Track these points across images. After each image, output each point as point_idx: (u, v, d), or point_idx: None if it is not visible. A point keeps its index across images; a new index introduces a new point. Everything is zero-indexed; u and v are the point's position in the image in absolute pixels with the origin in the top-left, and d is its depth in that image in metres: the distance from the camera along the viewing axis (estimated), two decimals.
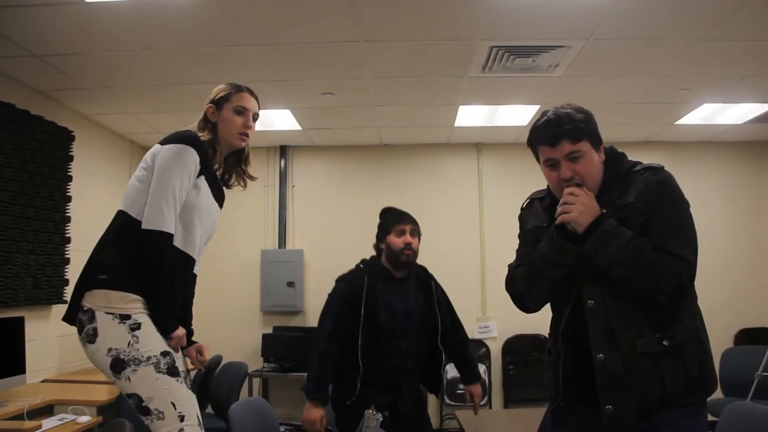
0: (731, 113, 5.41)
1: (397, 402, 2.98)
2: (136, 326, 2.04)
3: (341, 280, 3.15)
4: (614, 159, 1.90)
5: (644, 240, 1.72)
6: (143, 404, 2.01)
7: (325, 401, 3.01)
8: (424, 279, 3.20)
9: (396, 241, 3.05)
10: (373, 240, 3.19)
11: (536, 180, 2.10)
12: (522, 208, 2.10)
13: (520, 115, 5.40)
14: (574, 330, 1.82)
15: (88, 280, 2.10)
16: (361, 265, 3.18)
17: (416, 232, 3.11)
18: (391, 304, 3.01)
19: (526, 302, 1.97)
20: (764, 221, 6.34)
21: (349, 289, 3.06)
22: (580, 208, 1.76)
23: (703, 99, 5.02)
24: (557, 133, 1.80)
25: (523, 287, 1.95)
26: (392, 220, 3.13)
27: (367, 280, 3.04)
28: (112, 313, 2.04)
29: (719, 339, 5.66)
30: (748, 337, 6.01)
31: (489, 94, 4.90)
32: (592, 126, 1.84)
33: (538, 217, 1.98)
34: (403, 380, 3.02)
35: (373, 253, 3.21)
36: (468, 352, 3.30)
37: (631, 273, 1.71)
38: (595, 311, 1.77)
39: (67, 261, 4.73)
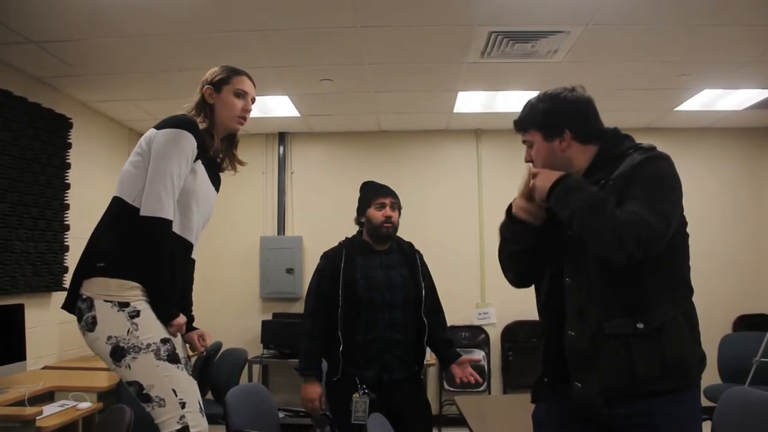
0: (731, 99, 5.40)
1: (383, 376, 2.93)
2: (135, 314, 2.04)
3: (322, 257, 3.18)
4: (610, 142, 1.87)
5: (608, 196, 1.68)
6: (144, 392, 2.02)
7: (318, 377, 3.03)
8: (409, 253, 3.19)
9: (376, 214, 3.05)
10: None
11: None
12: None
13: (520, 101, 5.36)
14: (553, 307, 1.84)
15: (86, 268, 2.10)
16: (342, 241, 3.19)
17: (396, 206, 3.10)
18: (371, 276, 3.00)
19: (505, 276, 2.05)
20: (763, 208, 6.33)
21: (329, 264, 3.09)
22: (542, 176, 1.83)
23: (703, 85, 5.00)
24: (516, 121, 1.98)
25: (500, 261, 2.05)
26: (372, 193, 3.12)
27: (345, 253, 3.06)
28: (110, 301, 2.04)
29: (718, 325, 5.73)
30: (746, 323, 6.04)
31: (488, 80, 4.88)
32: (549, 117, 1.86)
33: None
34: (389, 353, 2.96)
35: None
36: (447, 334, 3.25)
37: (591, 224, 1.66)
38: (571, 289, 1.78)
39: (67, 248, 4.73)
